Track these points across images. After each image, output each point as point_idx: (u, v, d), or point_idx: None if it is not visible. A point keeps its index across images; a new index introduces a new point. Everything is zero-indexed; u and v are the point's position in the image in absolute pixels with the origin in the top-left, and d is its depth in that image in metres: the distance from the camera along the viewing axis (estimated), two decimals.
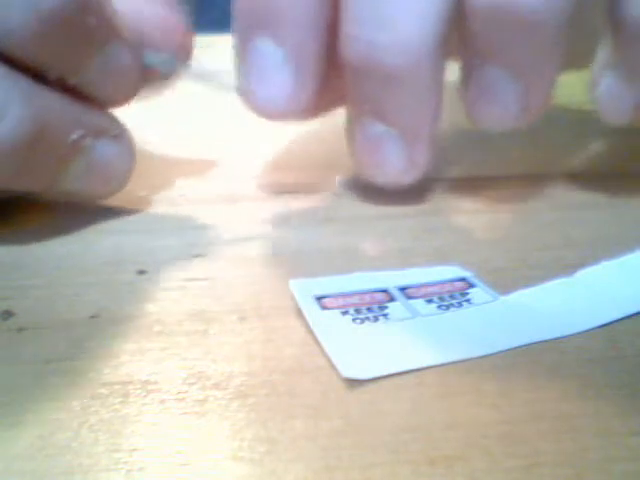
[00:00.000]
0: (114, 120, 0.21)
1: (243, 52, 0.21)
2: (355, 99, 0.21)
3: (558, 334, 0.16)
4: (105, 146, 0.20)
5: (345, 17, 0.20)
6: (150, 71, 0.22)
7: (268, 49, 0.20)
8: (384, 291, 0.17)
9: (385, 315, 0.16)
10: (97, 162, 0.20)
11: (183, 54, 0.22)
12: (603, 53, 0.21)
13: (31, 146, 0.18)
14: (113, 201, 0.23)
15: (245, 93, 0.21)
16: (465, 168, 0.25)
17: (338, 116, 0.32)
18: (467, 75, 0.21)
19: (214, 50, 0.43)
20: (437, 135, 0.22)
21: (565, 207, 0.23)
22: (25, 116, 0.18)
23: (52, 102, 0.19)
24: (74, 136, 0.19)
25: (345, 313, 0.16)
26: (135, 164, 0.21)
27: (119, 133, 0.21)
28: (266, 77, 0.20)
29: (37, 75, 0.19)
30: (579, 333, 0.16)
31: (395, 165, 0.21)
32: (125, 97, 0.21)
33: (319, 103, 0.22)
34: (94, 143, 0.20)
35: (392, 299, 0.17)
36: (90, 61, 0.19)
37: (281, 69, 0.20)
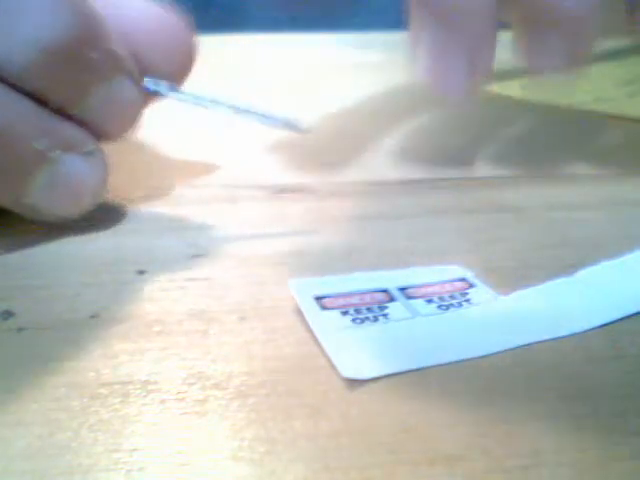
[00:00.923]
0: (87, 137, 0.20)
1: (421, 41, 0.22)
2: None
3: (558, 334, 0.16)
4: (74, 162, 0.19)
5: None
6: (150, 96, 0.22)
7: (445, 39, 0.21)
8: (384, 291, 0.17)
9: (385, 315, 0.16)
10: (64, 177, 0.19)
11: (183, 74, 0.22)
12: None
13: None
14: (113, 201, 0.23)
15: (424, 79, 0.22)
16: (465, 168, 0.25)
17: (338, 116, 0.32)
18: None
19: (214, 50, 0.43)
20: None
21: (565, 207, 0.23)
22: None
23: (18, 105, 0.18)
24: (38, 144, 0.19)
25: (345, 313, 0.16)
26: (106, 184, 0.21)
27: (91, 150, 0.20)
28: (444, 65, 0.21)
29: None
30: (579, 333, 0.16)
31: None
32: (125, 128, 0.21)
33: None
34: (61, 156, 0.19)
35: (392, 299, 0.17)
36: (91, 94, 0.19)
37: (458, 58, 0.22)
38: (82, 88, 0.19)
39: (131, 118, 0.21)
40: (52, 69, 0.18)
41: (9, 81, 0.18)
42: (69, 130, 0.20)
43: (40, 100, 0.19)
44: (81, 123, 0.20)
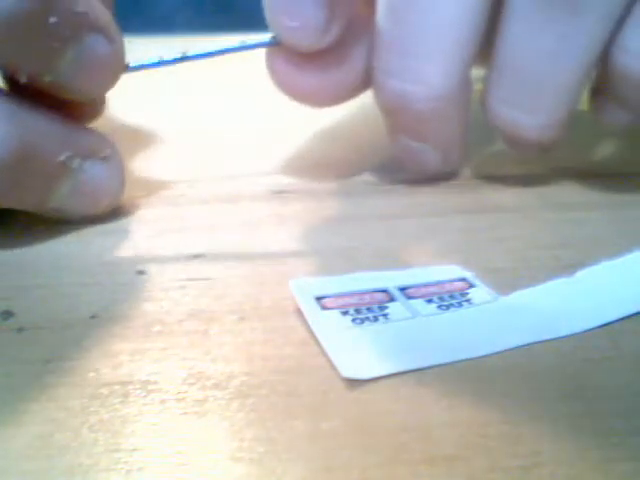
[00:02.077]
0: (104, 141, 0.21)
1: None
2: (391, 126, 0.23)
3: (558, 334, 0.16)
4: (94, 167, 0.20)
5: (377, 67, 0.22)
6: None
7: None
8: (384, 291, 0.17)
9: (385, 315, 0.16)
10: (86, 183, 0.20)
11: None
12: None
13: (18, 165, 0.18)
14: None
15: (274, 26, 0.21)
16: (465, 168, 0.25)
17: (338, 116, 0.32)
18: (595, 95, 0.23)
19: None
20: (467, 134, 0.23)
21: (565, 207, 0.23)
22: (11, 135, 0.18)
23: (39, 122, 0.19)
24: (62, 157, 0.19)
25: (345, 313, 0.16)
26: (125, 185, 0.21)
27: (108, 154, 0.21)
28: (294, 9, 0.21)
29: (7, 77, 0.19)
30: (579, 333, 0.16)
31: (432, 169, 0.23)
32: (105, 86, 0.20)
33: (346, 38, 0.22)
34: (82, 164, 0.20)
35: (392, 299, 0.17)
36: (61, 58, 0.19)
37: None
38: (49, 54, 0.18)
39: (109, 73, 0.20)
40: (12, 39, 0.18)
41: None
42: (88, 138, 0.20)
43: (9, 73, 0.18)
44: (55, 87, 0.19)
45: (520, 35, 0.21)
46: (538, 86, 0.21)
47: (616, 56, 0.20)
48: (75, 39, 0.19)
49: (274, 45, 0.22)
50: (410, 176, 0.24)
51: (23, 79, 0.18)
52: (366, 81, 0.23)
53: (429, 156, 0.23)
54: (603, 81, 0.22)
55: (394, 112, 0.22)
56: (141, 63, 0.21)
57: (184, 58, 0.22)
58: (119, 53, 0.20)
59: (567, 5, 0.20)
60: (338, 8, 0.21)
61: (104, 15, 0.20)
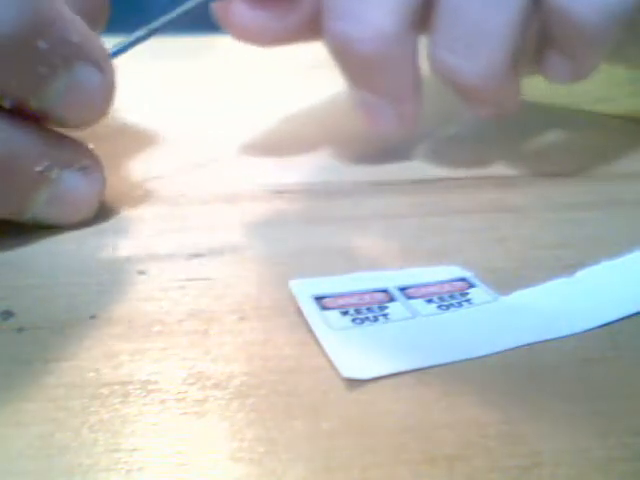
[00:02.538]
0: (83, 150, 0.21)
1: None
2: (344, 75, 0.24)
3: (558, 334, 0.16)
4: (72, 177, 0.20)
5: (324, 11, 0.23)
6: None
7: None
8: (384, 291, 0.17)
9: (385, 315, 0.16)
10: (63, 192, 0.20)
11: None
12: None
13: None
14: (113, 201, 0.23)
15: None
16: (465, 168, 0.25)
17: (339, 117, 0.32)
18: (537, 49, 0.23)
19: (214, 51, 0.43)
20: (422, 91, 0.24)
21: (564, 207, 0.23)
22: None
23: (19, 132, 0.19)
24: (40, 167, 0.19)
25: (345, 313, 0.16)
26: (103, 194, 0.21)
27: (87, 164, 0.20)
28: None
29: None
30: (579, 333, 0.16)
31: (386, 124, 0.24)
32: (94, 115, 0.20)
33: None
34: (61, 174, 0.20)
35: (392, 299, 0.17)
36: (49, 85, 0.18)
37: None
38: (37, 80, 0.18)
39: (98, 105, 0.20)
40: (2, 63, 0.17)
41: None
42: (67, 147, 0.20)
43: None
44: (43, 114, 0.19)
45: None
46: (476, 31, 0.22)
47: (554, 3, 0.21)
48: (65, 67, 0.18)
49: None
50: (402, 172, 0.24)
51: (7, 104, 0.18)
52: (313, 28, 0.23)
53: (382, 109, 0.23)
54: (541, 30, 0.22)
55: (341, 57, 0.23)
56: (118, 47, 0.21)
57: (154, 29, 0.22)
58: (110, 85, 0.20)
59: None
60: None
61: (98, 46, 0.20)
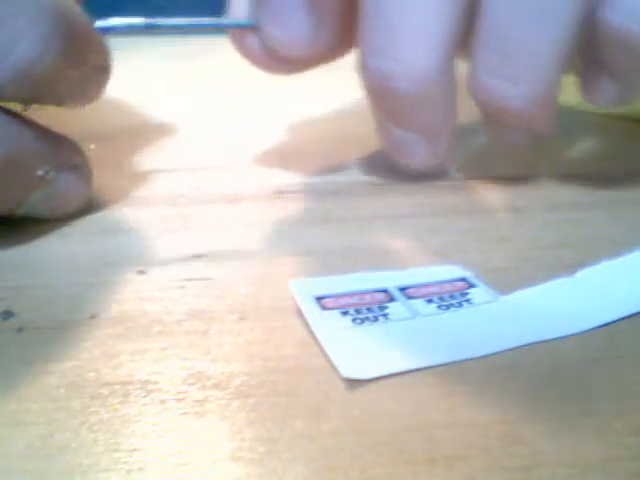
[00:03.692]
0: (75, 149, 0.21)
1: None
2: (378, 111, 0.23)
3: (558, 334, 0.16)
4: (65, 175, 0.21)
5: (361, 48, 0.22)
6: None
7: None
8: (384, 291, 0.17)
9: (385, 315, 0.16)
10: (55, 192, 0.20)
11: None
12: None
13: (1, 179, 0.19)
14: (113, 201, 0.23)
15: (264, 36, 0.21)
16: (465, 169, 0.25)
17: (338, 117, 0.32)
18: (583, 72, 0.23)
19: (216, 52, 0.43)
20: (455, 126, 0.23)
21: (565, 207, 0.23)
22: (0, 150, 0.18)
23: (24, 138, 0.19)
24: (40, 171, 0.20)
25: (345, 313, 0.16)
26: (90, 190, 0.22)
27: (78, 162, 0.21)
28: (284, 19, 0.21)
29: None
30: (579, 333, 0.16)
31: (419, 159, 0.23)
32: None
33: (336, 45, 0.23)
34: (56, 175, 0.20)
35: (392, 299, 0.17)
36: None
37: (298, 11, 0.21)
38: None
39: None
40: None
41: None
42: (62, 147, 0.21)
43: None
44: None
45: (500, 5, 0.20)
46: (520, 56, 0.21)
47: (605, 17, 0.20)
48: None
49: (251, 27, 0.21)
50: (402, 172, 0.24)
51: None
52: (330, 54, 0.23)
53: (416, 146, 0.23)
54: (590, 53, 0.21)
55: (378, 94, 0.22)
56: (109, 25, 0.21)
57: (153, 26, 0.21)
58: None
59: None
60: (326, 19, 0.21)
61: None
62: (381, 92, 0.22)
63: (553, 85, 0.21)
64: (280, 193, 0.24)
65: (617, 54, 0.21)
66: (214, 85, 0.37)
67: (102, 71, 0.20)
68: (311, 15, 0.20)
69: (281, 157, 0.27)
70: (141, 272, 0.19)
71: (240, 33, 0.22)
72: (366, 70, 0.22)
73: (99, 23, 0.21)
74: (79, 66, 0.19)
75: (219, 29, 0.22)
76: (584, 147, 0.28)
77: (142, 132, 0.29)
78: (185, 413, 0.14)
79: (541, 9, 0.20)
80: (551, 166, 0.25)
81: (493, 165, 0.26)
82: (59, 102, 0.20)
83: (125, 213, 0.22)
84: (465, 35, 0.21)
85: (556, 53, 0.21)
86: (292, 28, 0.21)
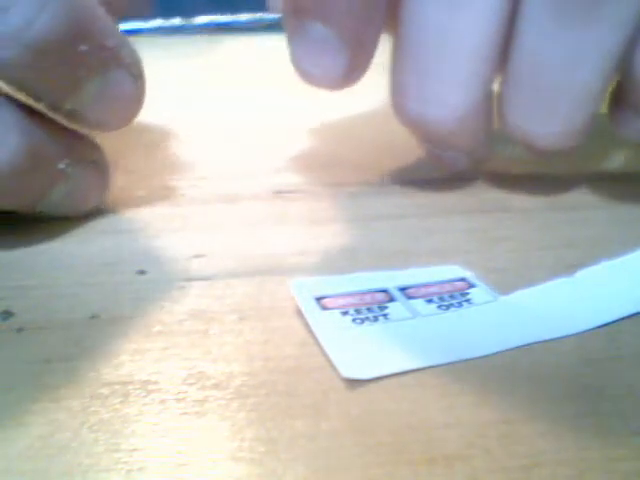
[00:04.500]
0: (93, 145, 0.21)
1: (295, 34, 0.21)
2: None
3: (558, 334, 0.16)
4: (84, 171, 0.21)
5: (395, 89, 0.22)
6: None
7: (320, 32, 0.20)
8: (384, 291, 0.17)
9: (385, 315, 0.16)
10: (76, 187, 0.21)
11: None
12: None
13: (24, 172, 0.19)
14: (113, 201, 0.23)
15: (300, 72, 0.21)
16: (464, 168, 0.25)
17: (340, 117, 0.32)
18: (612, 105, 0.22)
19: (222, 48, 0.43)
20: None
21: (565, 207, 0.23)
22: (21, 145, 0.18)
23: (45, 132, 0.19)
24: (62, 165, 0.20)
25: (345, 313, 0.16)
26: (108, 188, 0.22)
27: (95, 159, 0.21)
28: (319, 60, 0.21)
29: (29, 100, 0.19)
30: (579, 333, 0.16)
31: (462, 168, 0.23)
32: (124, 121, 0.21)
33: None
34: (76, 169, 0.20)
35: (392, 299, 0.17)
36: (84, 88, 0.19)
37: (335, 52, 0.20)
38: (73, 82, 0.19)
39: (129, 110, 0.20)
40: (39, 64, 0.18)
41: None
42: (81, 143, 0.21)
43: (31, 98, 0.19)
44: (76, 117, 0.20)
45: (534, 45, 0.20)
46: (554, 96, 0.21)
47: (637, 65, 0.20)
48: (101, 71, 0.19)
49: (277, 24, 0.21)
50: (402, 172, 0.24)
51: (43, 106, 0.19)
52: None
53: (458, 159, 0.23)
54: (622, 90, 0.21)
55: (416, 131, 0.23)
56: (129, 28, 0.21)
57: (184, 27, 0.21)
58: (140, 91, 0.20)
59: (581, 14, 0.19)
60: (360, 55, 0.21)
61: (131, 51, 0.20)
62: (419, 130, 0.22)
63: (587, 123, 0.21)
64: (280, 193, 0.24)
65: None
66: (214, 84, 0.37)
67: (131, 80, 0.20)
68: (345, 53, 0.20)
69: (281, 157, 0.27)
70: (141, 272, 0.19)
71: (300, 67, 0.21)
72: (401, 111, 0.22)
73: (122, 26, 0.21)
74: (87, 52, 0.18)
75: (246, 28, 0.22)
76: (584, 147, 0.28)
77: (142, 132, 0.29)
78: (185, 413, 0.14)
79: (574, 51, 0.20)
80: (551, 166, 0.25)
81: (493, 165, 0.26)
82: (76, 110, 0.19)
83: (125, 213, 0.22)
84: (498, 71, 0.21)
85: (590, 94, 0.21)
86: (326, 64, 0.21)
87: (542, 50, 0.20)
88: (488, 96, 0.22)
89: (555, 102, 0.21)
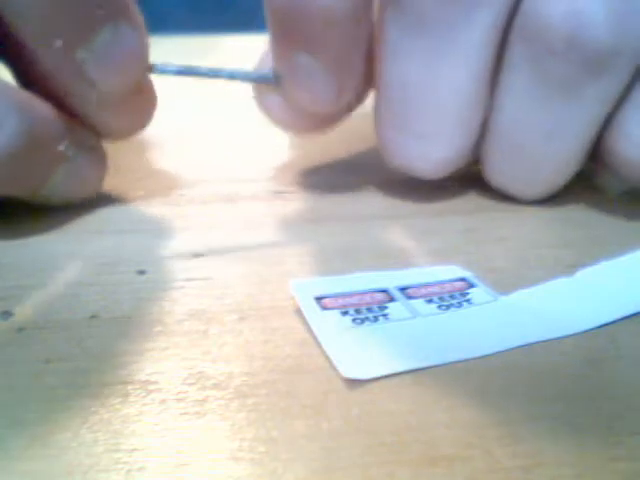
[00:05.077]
0: (91, 132, 0.21)
1: (284, 66, 0.21)
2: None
3: (558, 334, 0.16)
4: (83, 156, 0.21)
5: (382, 147, 0.22)
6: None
7: (310, 63, 0.20)
8: (384, 291, 0.17)
9: (385, 315, 0.16)
10: (76, 170, 0.21)
11: None
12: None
13: (25, 154, 0.19)
14: (113, 201, 0.23)
15: (289, 99, 0.22)
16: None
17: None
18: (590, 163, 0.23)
19: (219, 51, 0.43)
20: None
21: (565, 207, 0.23)
22: (21, 127, 0.18)
23: (44, 114, 0.19)
24: (62, 146, 0.20)
25: (345, 313, 0.16)
26: (105, 174, 0.22)
27: (93, 144, 0.22)
28: (309, 86, 0.21)
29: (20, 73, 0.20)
30: (579, 333, 0.16)
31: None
32: (126, 81, 0.20)
33: (360, 96, 0.23)
34: (75, 152, 0.21)
35: (392, 299, 0.17)
36: (97, 34, 0.19)
37: (323, 80, 0.21)
38: (86, 29, 0.19)
39: (135, 68, 0.20)
40: (55, 7, 0.18)
41: (9, 20, 0.18)
42: (78, 128, 0.21)
43: (42, 42, 0.19)
44: (83, 70, 0.19)
45: (516, 112, 0.21)
46: (535, 163, 0.21)
47: (614, 140, 0.20)
48: (112, 21, 0.19)
49: (273, 82, 0.22)
50: (402, 172, 0.23)
51: (55, 47, 0.18)
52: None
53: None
54: (599, 154, 0.22)
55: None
56: (167, 67, 0.21)
57: (215, 73, 0.22)
58: (145, 48, 0.20)
59: (563, 87, 0.20)
60: (348, 80, 0.21)
61: (137, 9, 0.20)
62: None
63: (567, 180, 0.22)
64: (280, 193, 0.24)
65: (624, 170, 0.21)
66: (213, 84, 0.37)
67: (134, 35, 0.20)
68: (335, 77, 0.21)
69: (281, 157, 0.27)
70: (141, 272, 0.19)
71: (261, 89, 0.22)
72: (390, 162, 0.23)
73: (158, 66, 0.21)
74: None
75: (242, 80, 0.22)
76: None
77: (141, 132, 0.29)
78: (185, 413, 0.14)
79: (555, 122, 0.20)
80: None
81: None
82: (87, 61, 0.19)
83: (125, 213, 0.22)
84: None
85: (570, 161, 0.21)
86: (316, 90, 0.21)
87: (522, 117, 0.21)
88: (473, 145, 0.22)
89: (536, 168, 0.21)
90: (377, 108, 0.22)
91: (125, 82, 0.20)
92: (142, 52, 0.20)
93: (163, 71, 0.21)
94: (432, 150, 0.22)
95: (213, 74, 0.22)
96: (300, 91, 0.21)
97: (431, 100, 0.21)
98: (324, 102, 0.21)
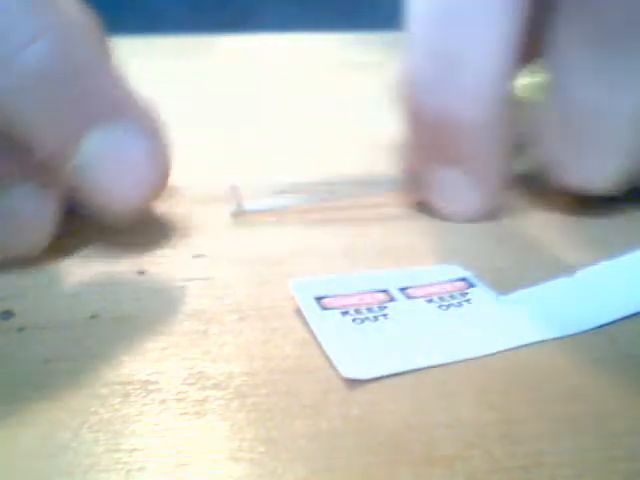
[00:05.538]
0: (41, 166, 0.18)
1: (430, 179, 0.22)
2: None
3: (558, 334, 0.16)
4: (26, 195, 0.18)
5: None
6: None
7: (456, 177, 0.21)
8: (384, 291, 0.17)
9: (385, 315, 0.16)
10: (16, 212, 0.18)
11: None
12: None
13: None
14: None
15: (436, 209, 0.22)
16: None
17: (339, 116, 0.32)
18: None
19: (214, 51, 0.43)
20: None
21: (564, 207, 0.23)
22: None
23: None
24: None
25: (345, 313, 0.16)
26: (59, 216, 0.19)
27: (46, 181, 0.18)
28: (455, 198, 0.22)
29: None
30: (579, 333, 0.16)
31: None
32: (134, 199, 0.18)
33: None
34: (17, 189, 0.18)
35: (392, 299, 0.17)
36: (86, 137, 0.17)
37: (470, 193, 0.22)
38: (74, 130, 0.17)
39: (141, 178, 0.18)
40: (36, 94, 0.16)
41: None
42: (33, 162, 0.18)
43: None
44: (81, 181, 0.18)
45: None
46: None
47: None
48: (103, 120, 0.17)
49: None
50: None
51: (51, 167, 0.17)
52: None
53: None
54: None
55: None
56: (258, 207, 0.22)
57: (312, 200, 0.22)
58: (159, 158, 0.19)
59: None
60: (491, 189, 0.22)
61: (146, 107, 0.19)
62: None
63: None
64: (279, 193, 0.24)
65: None
66: (213, 84, 0.37)
67: (143, 138, 0.18)
68: (482, 196, 0.22)
69: (281, 156, 0.27)
70: (141, 272, 0.19)
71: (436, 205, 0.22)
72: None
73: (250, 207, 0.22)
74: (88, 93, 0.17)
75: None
76: None
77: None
78: (185, 413, 0.14)
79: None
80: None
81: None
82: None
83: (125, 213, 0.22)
84: None
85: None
86: (460, 203, 0.22)
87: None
88: (506, 97, 0.22)
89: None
90: (549, 132, 0.22)
91: (134, 200, 0.18)
92: (155, 161, 0.18)
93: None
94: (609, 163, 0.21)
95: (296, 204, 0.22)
96: (444, 202, 0.22)
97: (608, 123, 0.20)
98: (467, 212, 0.22)
